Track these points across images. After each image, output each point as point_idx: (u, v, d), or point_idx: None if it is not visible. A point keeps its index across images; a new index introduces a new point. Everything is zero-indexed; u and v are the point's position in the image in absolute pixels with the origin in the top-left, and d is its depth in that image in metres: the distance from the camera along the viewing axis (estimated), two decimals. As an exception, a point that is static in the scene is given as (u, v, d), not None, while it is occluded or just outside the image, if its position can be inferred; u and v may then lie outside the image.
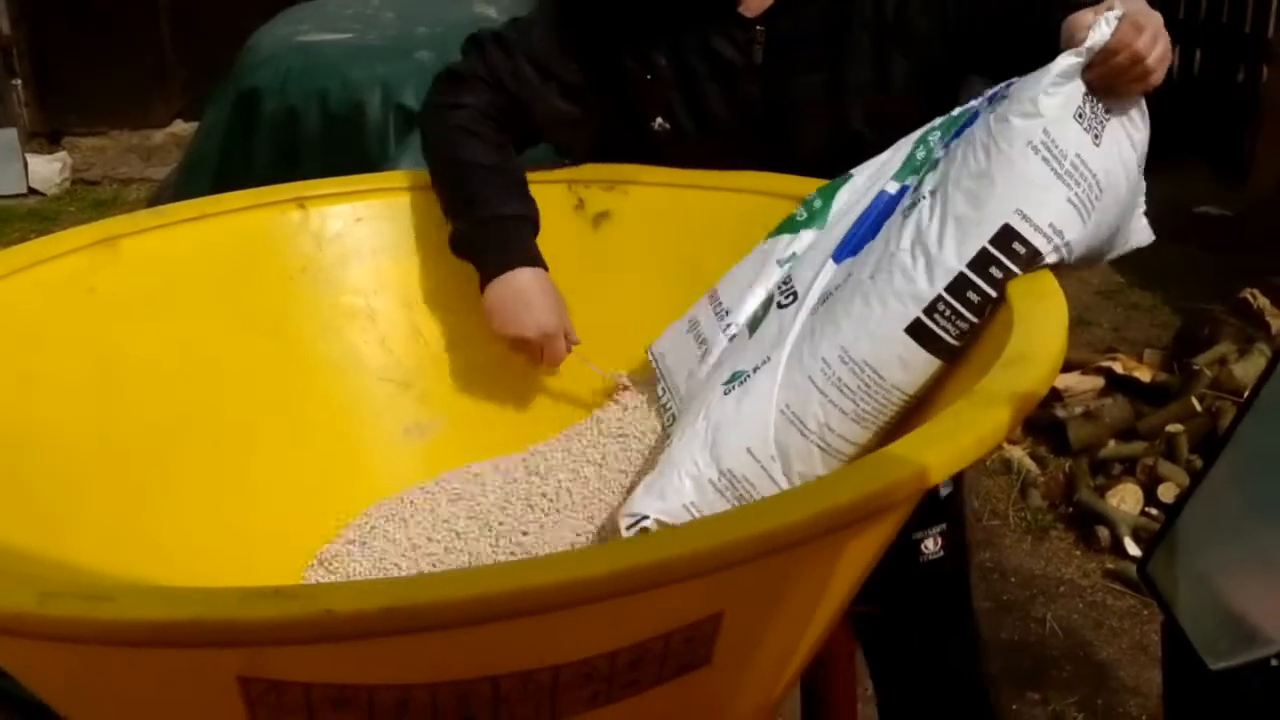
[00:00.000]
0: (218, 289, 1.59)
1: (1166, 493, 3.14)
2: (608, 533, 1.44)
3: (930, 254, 1.22)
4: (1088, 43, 1.22)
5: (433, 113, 1.69)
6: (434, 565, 1.48)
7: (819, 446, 1.25)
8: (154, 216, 1.61)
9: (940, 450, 0.97)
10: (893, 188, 1.37)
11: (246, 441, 1.54)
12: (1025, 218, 1.21)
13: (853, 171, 1.46)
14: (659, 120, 1.63)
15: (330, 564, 1.52)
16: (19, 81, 6.45)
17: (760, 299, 1.44)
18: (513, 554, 1.46)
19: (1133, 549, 3.03)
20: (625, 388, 1.61)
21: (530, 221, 1.63)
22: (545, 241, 1.63)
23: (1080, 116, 1.22)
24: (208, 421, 1.52)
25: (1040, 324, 1.16)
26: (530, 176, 1.67)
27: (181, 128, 6.60)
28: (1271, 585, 0.94)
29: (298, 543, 1.54)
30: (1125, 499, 3.17)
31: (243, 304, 1.61)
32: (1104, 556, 3.07)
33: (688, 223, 1.66)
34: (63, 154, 6.43)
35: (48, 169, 6.21)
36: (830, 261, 1.36)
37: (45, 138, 6.56)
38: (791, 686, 1.31)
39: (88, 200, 6.06)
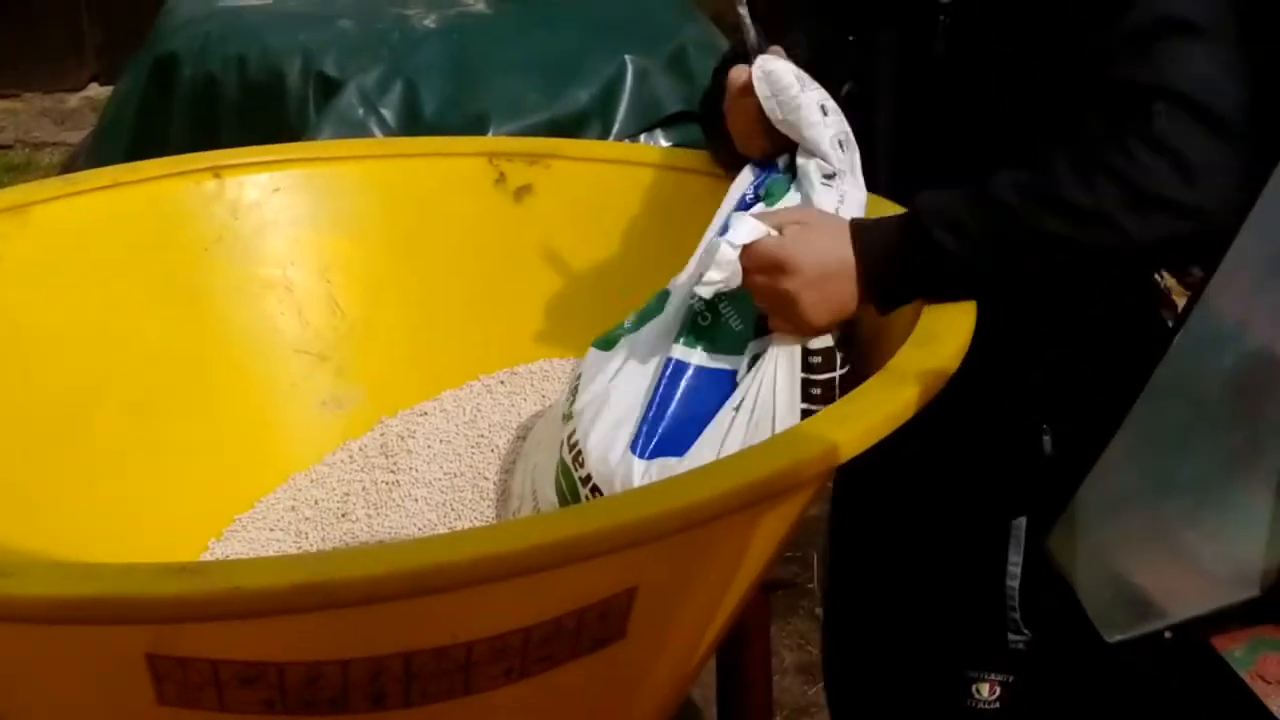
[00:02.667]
0: (131, 259, 1.56)
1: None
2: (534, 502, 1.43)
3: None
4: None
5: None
6: (348, 540, 1.47)
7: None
8: (65, 184, 1.58)
9: (850, 428, 1.00)
10: (679, 353, 1.29)
11: (159, 414, 1.52)
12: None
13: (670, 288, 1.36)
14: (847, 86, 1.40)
15: (243, 538, 1.50)
16: (-72, 42, 6.25)
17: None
18: (433, 529, 1.46)
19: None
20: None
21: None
22: (464, 216, 1.62)
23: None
24: (120, 393, 1.49)
25: (949, 305, 1.19)
26: (449, 148, 1.66)
27: (97, 91, 6.42)
28: (1165, 559, 0.98)
29: (211, 515, 1.52)
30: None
31: (157, 274, 1.58)
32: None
33: (611, 198, 1.66)
34: (-27, 117, 6.25)
35: (-41, 133, 6.04)
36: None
37: (-45, 101, 6.37)
38: (707, 659, 1.32)
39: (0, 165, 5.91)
